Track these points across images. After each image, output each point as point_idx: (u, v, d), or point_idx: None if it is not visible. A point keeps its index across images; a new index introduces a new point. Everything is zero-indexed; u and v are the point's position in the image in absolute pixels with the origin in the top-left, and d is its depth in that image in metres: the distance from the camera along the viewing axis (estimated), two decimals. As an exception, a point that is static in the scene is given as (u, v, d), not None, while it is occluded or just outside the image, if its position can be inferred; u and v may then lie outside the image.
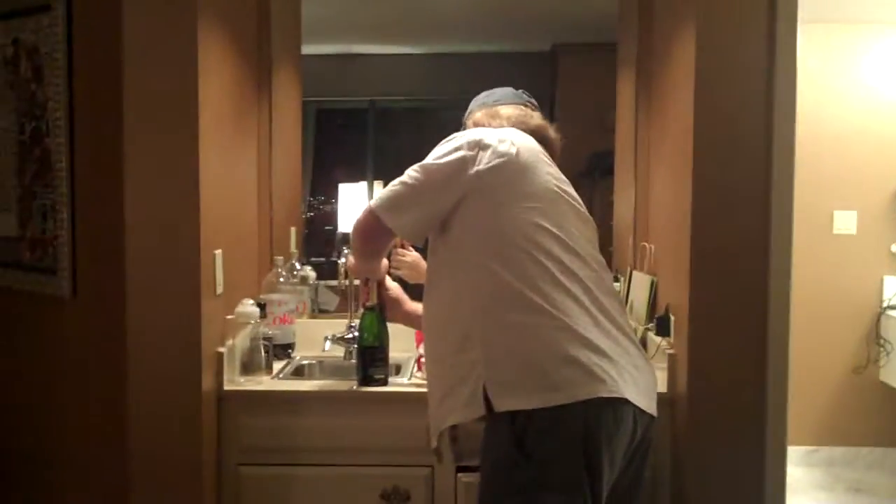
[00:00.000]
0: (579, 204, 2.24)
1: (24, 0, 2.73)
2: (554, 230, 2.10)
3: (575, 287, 2.06)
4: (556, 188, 2.18)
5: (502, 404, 1.98)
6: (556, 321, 2.00)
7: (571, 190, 2.24)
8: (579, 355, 1.97)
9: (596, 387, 1.96)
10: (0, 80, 2.88)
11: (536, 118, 2.40)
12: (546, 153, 2.28)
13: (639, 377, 2.08)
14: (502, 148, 2.15)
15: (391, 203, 2.20)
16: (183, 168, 2.48)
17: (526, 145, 2.20)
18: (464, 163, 2.14)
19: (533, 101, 2.50)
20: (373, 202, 2.23)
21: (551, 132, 2.38)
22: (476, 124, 2.43)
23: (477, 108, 2.49)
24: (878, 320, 4.96)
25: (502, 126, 2.33)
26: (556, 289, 2.04)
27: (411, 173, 2.20)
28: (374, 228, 2.25)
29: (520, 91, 2.51)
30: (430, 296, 2.27)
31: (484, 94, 2.52)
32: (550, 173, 2.20)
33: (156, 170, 2.48)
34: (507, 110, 2.41)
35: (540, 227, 2.09)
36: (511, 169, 2.13)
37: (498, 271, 2.05)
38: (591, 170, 3.53)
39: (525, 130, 2.30)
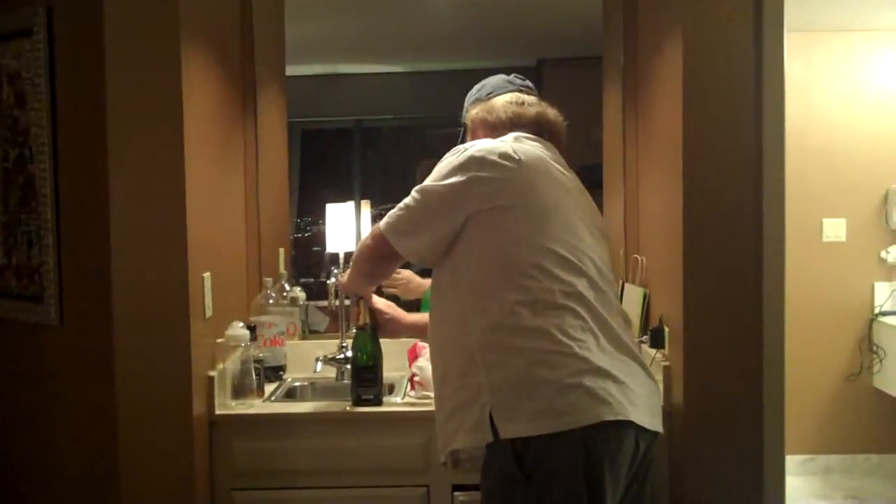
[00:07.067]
0: (592, 209, 2.21)
1: (4, 25, 2.72)
2: (560, 251, 2.04)
3: (581, 309, 2.01)
4: (565, 201, 2.11)
5: (507, 431, 1.94)
6: (560, 346, 1.96)
7: (583, 197, 2.20)
8: (583, 380, 1.93)
9: (600, 410, 1.92)
10: (-19, 107, 2.86)
11: (533, 104, 2.30)
12: (551, 147, 2.21)
13: (644, 395, 2.04)
14: (504, 163, 2.06)
15: (401, 227, 2.15)
16: (169, 191, 2.45)
17: (531, 154, 2.12)
18: (467, 184, 2.07)
19: (527, 83, 2.41)
20: (382, 226, 2.18)
21: (550, 115, 2.29)
22: (473, 121, 2.35)
23: (471, 105, 2.40)
24: (870, 327, 4.96)
25: (499, 119, 2.26)
26: (561, 313, 1.99)
27: (416, 196, 2.14)
28: (383, 252, 2.21)
29: (512, 76, 2.41)
30: (435, 317, 2.22)
31: (476, 87, 2.43)
32: (560, 182, 2.14)
33: (141, 193, 2.45)
34: (501, 100, 2.32)
35: (545, 249, 2.03)
36: (515, 187, 2.07)
37: (502, 295, 2.01)
38: (579, 183, 3.52)
39: (524, 125, 2.24)
